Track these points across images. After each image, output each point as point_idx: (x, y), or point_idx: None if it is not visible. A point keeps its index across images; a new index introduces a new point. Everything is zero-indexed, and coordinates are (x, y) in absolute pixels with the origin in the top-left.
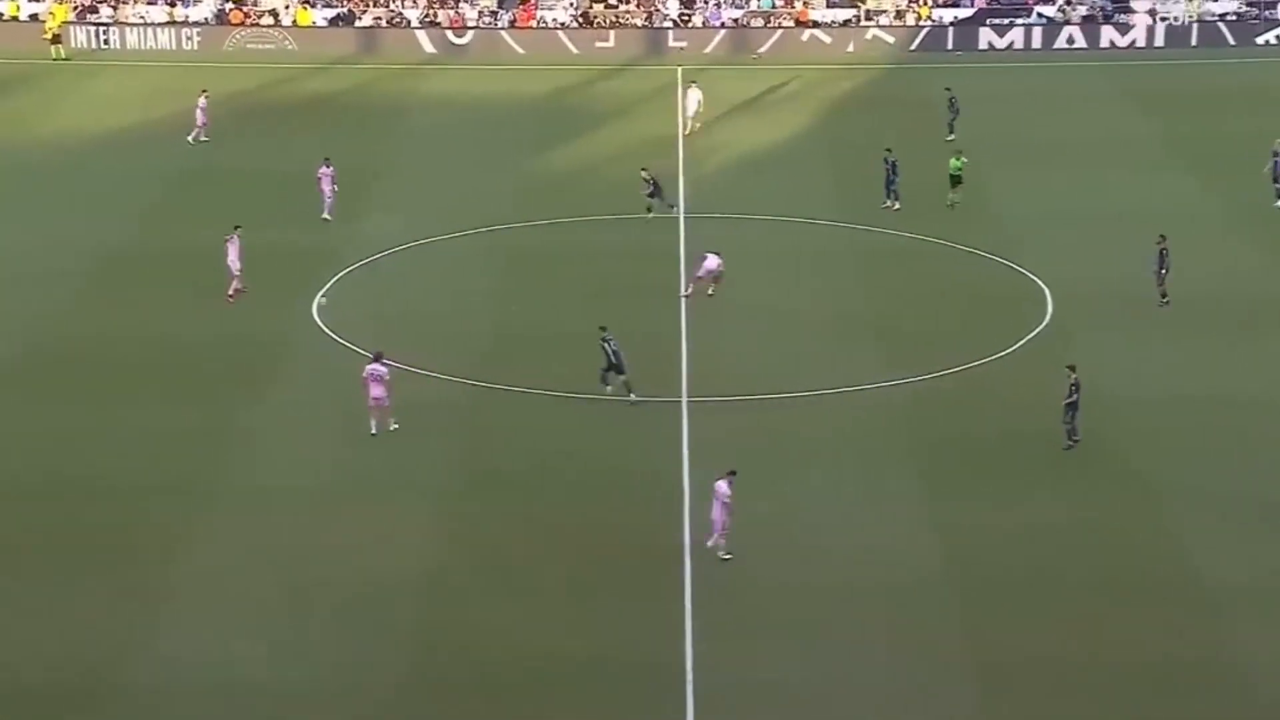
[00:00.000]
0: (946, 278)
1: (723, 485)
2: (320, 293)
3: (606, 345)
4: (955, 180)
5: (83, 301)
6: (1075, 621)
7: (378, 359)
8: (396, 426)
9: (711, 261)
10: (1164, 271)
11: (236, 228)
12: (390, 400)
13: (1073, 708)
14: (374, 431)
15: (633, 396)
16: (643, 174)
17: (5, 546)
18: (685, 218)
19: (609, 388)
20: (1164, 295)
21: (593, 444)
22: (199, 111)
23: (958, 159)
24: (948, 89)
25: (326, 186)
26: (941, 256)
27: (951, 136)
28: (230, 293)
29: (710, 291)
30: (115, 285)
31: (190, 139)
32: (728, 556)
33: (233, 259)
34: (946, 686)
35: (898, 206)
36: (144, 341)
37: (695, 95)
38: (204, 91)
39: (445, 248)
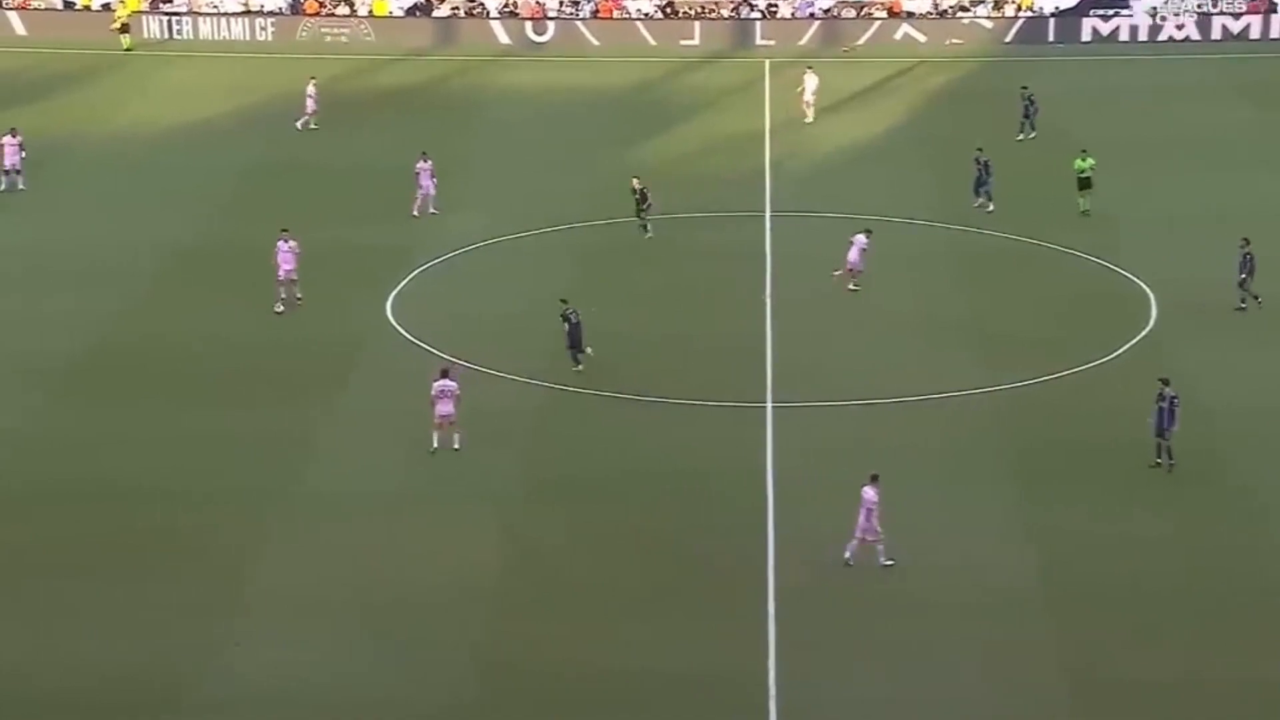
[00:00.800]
0: (1046, 280)
1: (870, 491)
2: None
3: (569, 318)
4: (1084, 184)
5: (154, 299)
6: (1177, 639)
7: (445, 374)
8: (459, 448)
9: (854, 251)
10: (1245, 276)
11: (284, 230)
12: (458, 416)
13: None
14: (435, 446)
15: (580, 367)
16: (634, 183)
17: (70, 551)
18: (771, 215)
19: (579, 366)
20: (1255, 296)
21: (672, 449)
22: (309, 99)
23: (1083, 159)
24: (1024, 87)
25: (426, 181)
26: (1041, 258)
27: (1021, 136)
28: (284, 304)
29: (852, 286)
30: (187, 282)
31: (299, 125)
32: (890, 562)
33: (287, 268)
34: (1041, 706)
35: (991, 208)
36: (215, 341)
37: (812, 81)
38: (312, 79)
39: (523, 245)
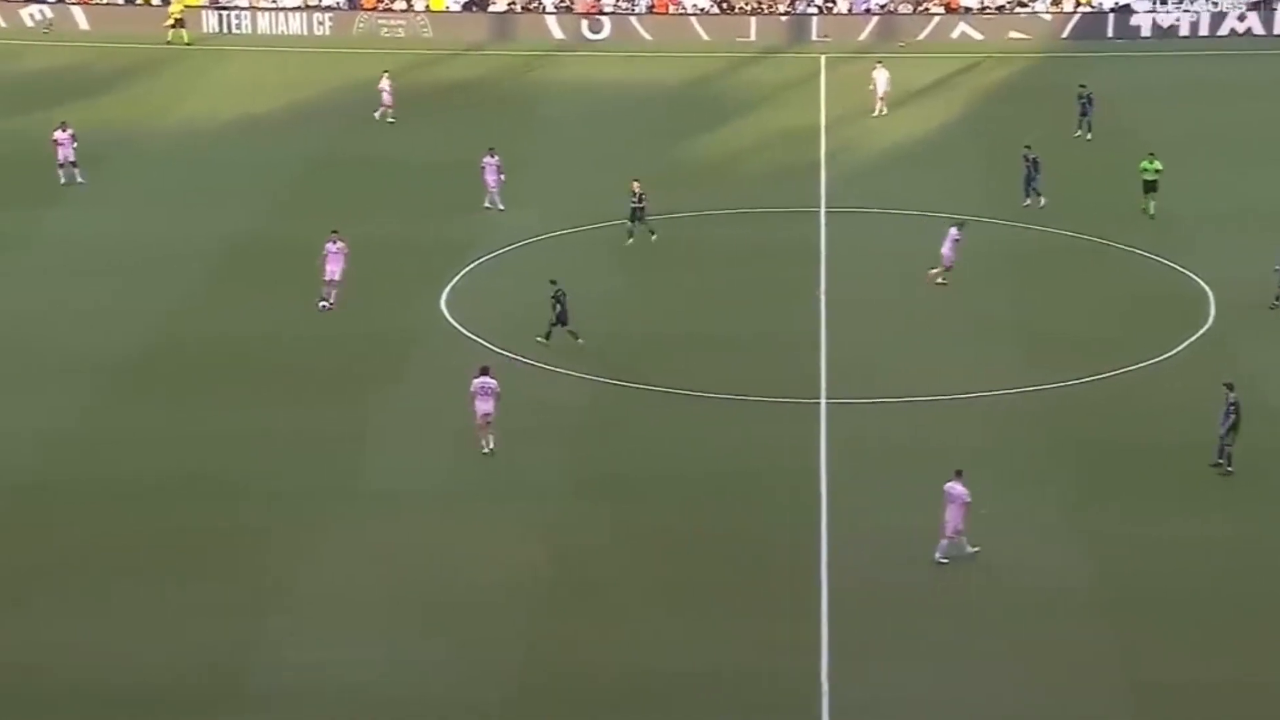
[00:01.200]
0: (1103, 277)
1: (959, 487)
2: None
3: (558, 299)
4: (1149, 186)
5: (209, 295)
6: (1236, 642)
7: (485, 372)
8: (492, 449)
9: (946, 244)
10: None
11: (334, 231)
12: (497, 414)
13: None
14: (485, 450)
15: (546, 341)
16: (634, 186)
17: (126, 548)
18: (825, 211)
19: (549, 341)
20: (1276, 298)
21: (725, 445)
22: (384, 93)
23: (1150, 161)
24: (1082, 85)
25: (491, 176)
26: (1096, 255)
27: (1079, 133)
28: (328, 302)
29: (940, 280)
30: (243, 277)
31: (377, 116)
32: (944, 560)
33: (333, 268)
34: (1095, 708)
35: (1043, 203)
36: (271, 337)
37: (883, 75)
38: (385, 72)
39: (577, 240)
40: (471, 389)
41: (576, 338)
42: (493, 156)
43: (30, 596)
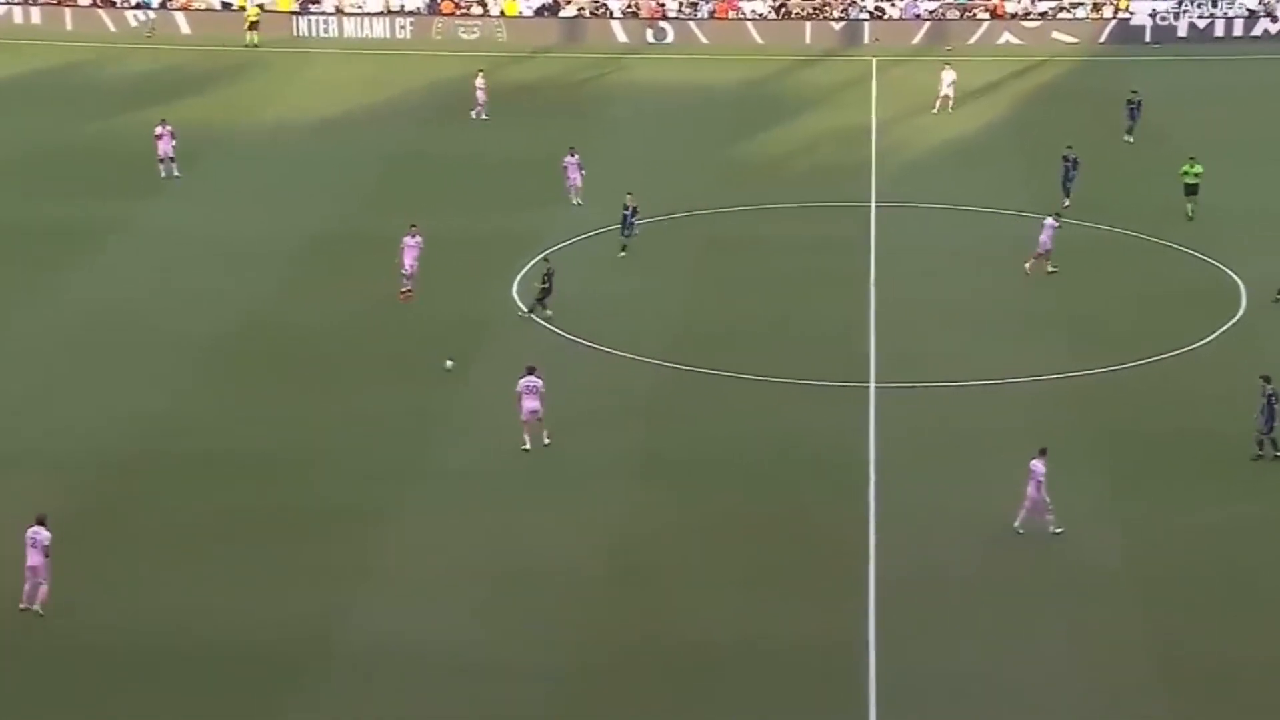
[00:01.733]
0: (1139, 270)
1: (1039, 464)
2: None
3: (548, 276)
4: (1190, 190)
5: (294, 284)
6: (1266, 620)
7: (531, 371)
8: (549, 441)
9: (1046, 231)
10: None
11: (413, 225)
12: (545, 411)
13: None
14: (527, 447)
15: (548, 313)
16: (627, 199)
17: (220, 520)
18: (875, 206)
19: (549, 312)
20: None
21: (777, 428)
22: (479, 91)
23: (1191, 165)
24: (1134, 91)
25: (574, 174)
26: (1134, 249)
27: (1129, 138)
28: (404, 291)
29: (1049, 269)
30: (325, 267)
31: (473, 115)
32: (1059, 530)
33: (409, 260)
34: (1131, 686)
35: (1066, 204)
36: (351, 323)
37: (949, 75)
38: (480, 71)
39: (642, 231)
40: (518, 388)
41: (531, 310)
42: (573, 155)
43: (129, 564)
